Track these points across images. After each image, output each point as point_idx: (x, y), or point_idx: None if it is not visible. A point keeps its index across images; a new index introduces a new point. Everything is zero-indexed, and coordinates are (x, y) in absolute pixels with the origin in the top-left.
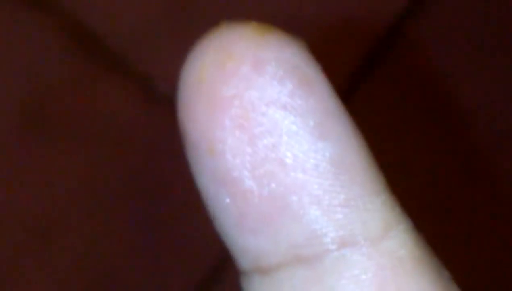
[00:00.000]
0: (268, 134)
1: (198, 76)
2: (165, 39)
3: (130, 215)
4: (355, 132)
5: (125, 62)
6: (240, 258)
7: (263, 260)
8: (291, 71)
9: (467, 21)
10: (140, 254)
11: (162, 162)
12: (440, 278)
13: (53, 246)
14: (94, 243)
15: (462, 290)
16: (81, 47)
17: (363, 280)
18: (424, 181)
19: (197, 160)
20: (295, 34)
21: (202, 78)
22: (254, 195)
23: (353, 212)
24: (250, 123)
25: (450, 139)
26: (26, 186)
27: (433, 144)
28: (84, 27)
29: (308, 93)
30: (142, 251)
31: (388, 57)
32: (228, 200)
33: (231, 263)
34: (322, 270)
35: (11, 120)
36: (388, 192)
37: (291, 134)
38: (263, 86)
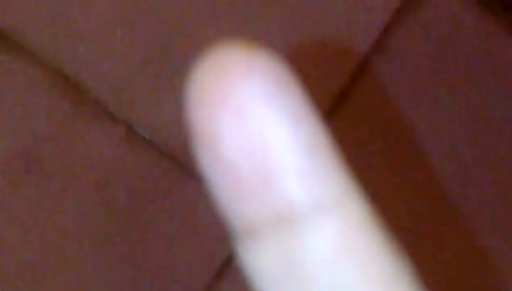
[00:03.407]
0: (258, 123)
1: (201, 80)
2: (144, 87)
3: (116, 251)
4: (322, 122)
5: (108, 109)
6: (234, 224)
7: (252, 224)
8: (274, 75)
9: (427, 60)
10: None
11: (143, 200)
12: (389, 237)
13: (44, 284)
14: (83, 280)
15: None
16: (67, 97)
17: (331, 236)
18: (387, 209)
19: (200, 145)
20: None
21: (205, 81)
22: (245, 171)
23: (323, 184)
24: (243, 115)
25: (412, 168)
26: (18, 226)
27: (395, 172)
28: (69, 79)
29: (287, 92)
30: (128, 288)
31: (354, 92)
32: (225, 176)
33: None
34: (299, 229)
35: (3, 164)
36: (348, 170)
37: (276, 123)
38: (253, 87)
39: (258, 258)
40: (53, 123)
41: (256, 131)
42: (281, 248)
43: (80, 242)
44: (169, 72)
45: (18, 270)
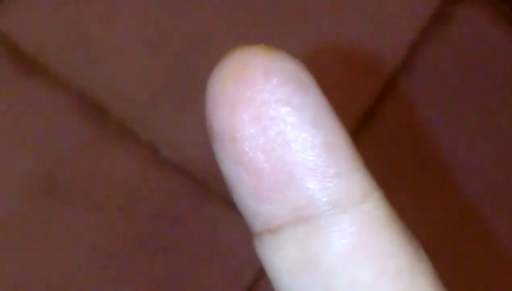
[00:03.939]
0: (276, 125)
1: (221, 84)
2: (167, 108)
3: (139, 274)
4: (340, 122)
5: (131, 131)
6: (254, 222)
7: (273, 222)
8: (292, 78)
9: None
10: None
11: (166, 221)
12: (407, 232)
13: None
14: None
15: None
16: (90, 119)
17: (349, 232)
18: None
19: (221, 147)
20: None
21: (225, 85)
22: (265, 171)
23: (340, 182)
24: (263, 117)
25: (441, 189)
26: (39, 248)
27: (424, 194)
28: (92, 100)
29: (305, 94)
30: None
31: (380, 112)
32: (245, 177)
33: None
34: (318, 226)
35: (27, 186)
36: (365, 168)
37: (294, 124)
38: (272, 90)
39: (278, 255)
40: (76, 145)
41: (275, 131)
42: (300, 245)
43: (103, 265)
44: (192, 93)
45: None
